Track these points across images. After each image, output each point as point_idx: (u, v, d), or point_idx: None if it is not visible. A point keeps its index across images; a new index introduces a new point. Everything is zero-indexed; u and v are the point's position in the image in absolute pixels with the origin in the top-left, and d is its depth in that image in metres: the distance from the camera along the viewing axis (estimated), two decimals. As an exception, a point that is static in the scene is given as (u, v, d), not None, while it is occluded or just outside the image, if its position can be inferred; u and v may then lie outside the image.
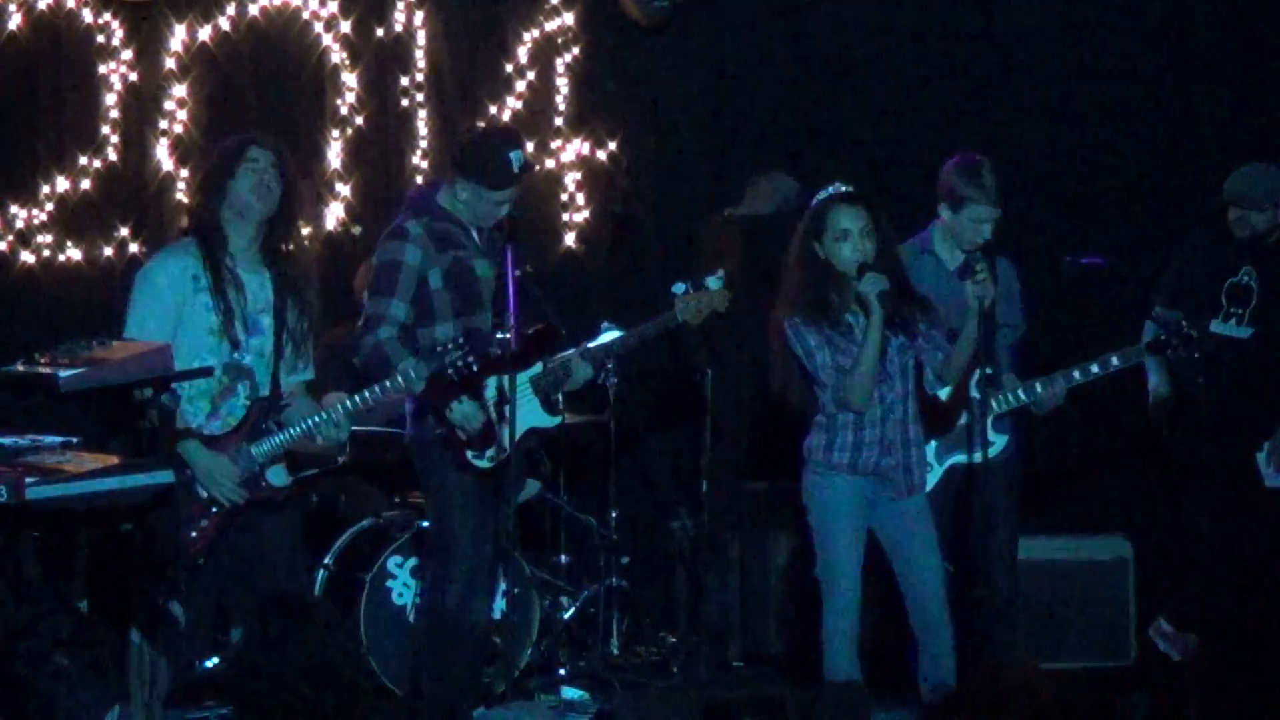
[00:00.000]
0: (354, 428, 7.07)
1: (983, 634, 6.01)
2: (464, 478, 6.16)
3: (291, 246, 6.03)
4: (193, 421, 5.71)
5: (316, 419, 5.85)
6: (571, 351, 6.43)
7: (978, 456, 5.94)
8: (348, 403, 5.91)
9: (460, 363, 5.83)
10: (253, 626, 4.36)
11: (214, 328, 5.74)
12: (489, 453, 6.15)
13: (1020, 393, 6.33)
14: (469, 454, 6.17)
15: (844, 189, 5.90)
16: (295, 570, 6.02)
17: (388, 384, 5.92)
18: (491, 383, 6.17)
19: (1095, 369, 6.40)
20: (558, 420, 6.48)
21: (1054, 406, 6.43)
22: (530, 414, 6.31)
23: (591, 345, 6.47)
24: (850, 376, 5.76)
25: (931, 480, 6.19)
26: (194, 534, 5.69)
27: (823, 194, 5.92)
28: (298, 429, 5.82)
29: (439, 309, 6.19)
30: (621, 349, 6.55)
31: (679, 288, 6.53)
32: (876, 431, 5.83)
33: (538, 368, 6.37)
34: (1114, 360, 6.40)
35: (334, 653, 4.15)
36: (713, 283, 6.53)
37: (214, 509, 5.73)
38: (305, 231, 7.89)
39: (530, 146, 7.30)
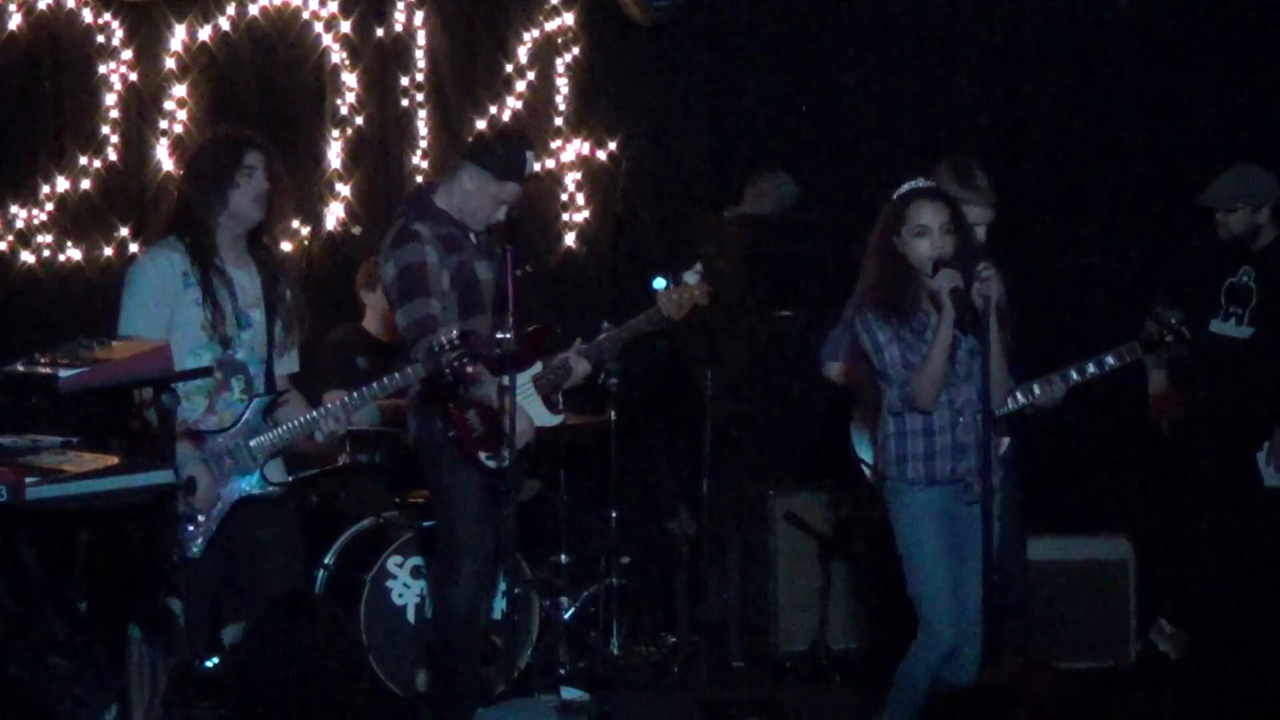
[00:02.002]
0: (354, 428, 7.10)
1: (996, 636, 5.98)
2: (473, 477, 6.18)
3: (271, 239, 6.08)
4: (189, 418, 5.71)
5: (315, 413, 5.86)
6: (569, 351, 6.46)
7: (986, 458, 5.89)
8: (346, 398, 5.91)
9: (457, 363, 5.83)
10: (255, 626, 4.36)
11: (205, 324, 5.75)
12: (502, 453, 6.16)
13: (1019, 394, 6.31)
14: (482, 455, 6.18)
15: (926, 184, 5.78)
16: (292, 568, 6.00)
17: (385, 381, 5.93)
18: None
19: (1092, 369, 6.38)
20: (558, 419, 6.49)
21: (1051, 408, 6.41)
22: (535, 414, 6.33)
23: (586, 344, 6.49)
24: (919, 375, 5.62)
25: None
26: (190, 528, 5.68)
27: (904, 188, 5.76)
28: (296, 423, 5.82)
29: (447, 311, 6.20)
30: (613, 345, 6.55)
31: (659, 283, 6.51)
32: (948, 437, 5.68)
33: (538, 367, 6.39)
34: (1109, 360, 6.39)
35: (336, 654, 4.16)
36: (689, 277, 6.51)
37: (215, 503, 5.72)
38: (304, 231, 7.91)
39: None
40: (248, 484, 5.78)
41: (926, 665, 5.64)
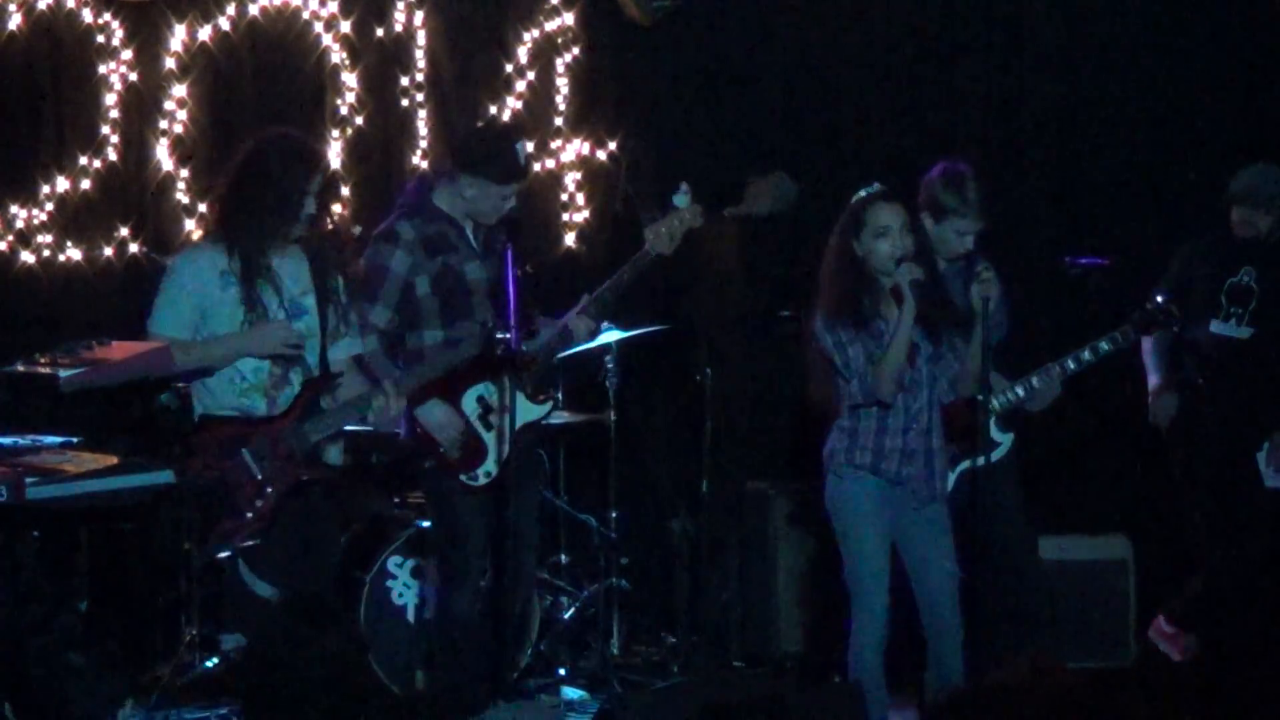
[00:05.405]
0: (354, 428, 7.09)
1: (1009, 634, 6.01)
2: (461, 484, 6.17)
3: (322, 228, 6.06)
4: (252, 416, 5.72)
5: (366, 393, 5.83)
6: (565, 317, 6.34)
7: (982, 458, 5.91)
8: (397, 376, 5.89)
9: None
10: (270, 624, 4.38)
11: (246, 323, 5.72)
12: (481, 470, 6.14)
13: (1018, 389, 6.34)
14: (462, 477, 6.15)
15: (882, 188, 5.86)
16: (337, 552, 6.00)
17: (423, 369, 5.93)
18: (471, 394, 6.16)
19: (1087, 355, 6.43)
20: (546, 408, 6.41)
21: (1050, 400, 6.43)
22: (519, 410, 6.28)
23: (583, 304, 6.34)
24: (880, 364, 5.71)
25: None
26: (249, 514, 5.66)
27: (861, 193, 5.87)
28: (347, 405, 5.80)
29: (426, 315, 6.17)
30: (606, 300, 6.43)
31: (647, 221, 6.43)
32: (898, 440, 5.79)
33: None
34: (1103, 345, 6.43)
35: (347, 654, 4.16)
36: (679, 200, 6.42)
37: (268, 488, 5.69)
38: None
39: (530, 146, 7.30)
40: (307, 468, 5.76)
41: (869, 645, 5.78)
